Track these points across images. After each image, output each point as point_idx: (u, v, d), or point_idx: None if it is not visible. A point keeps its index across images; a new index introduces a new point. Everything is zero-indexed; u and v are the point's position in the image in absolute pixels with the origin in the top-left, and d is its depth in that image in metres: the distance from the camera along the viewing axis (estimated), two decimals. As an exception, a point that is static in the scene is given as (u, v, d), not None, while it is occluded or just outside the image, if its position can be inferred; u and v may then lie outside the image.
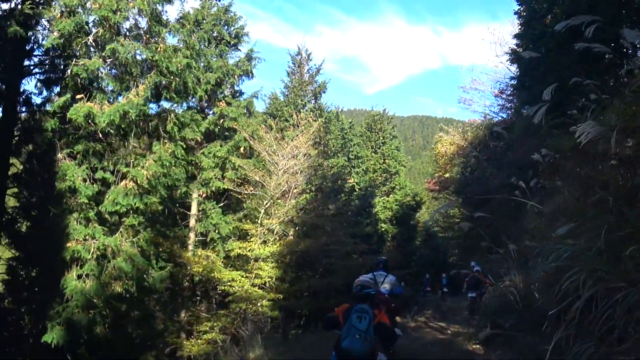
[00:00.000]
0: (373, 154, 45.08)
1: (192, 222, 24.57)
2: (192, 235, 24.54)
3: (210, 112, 24.85)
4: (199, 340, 22.09)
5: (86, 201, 14.05)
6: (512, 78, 35.49)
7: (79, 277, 14.34)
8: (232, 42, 25.35)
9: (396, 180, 44.48)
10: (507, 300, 13.03)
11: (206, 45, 24.99)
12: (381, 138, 46.05)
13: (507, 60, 34.54)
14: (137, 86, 14.70)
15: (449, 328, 20.36)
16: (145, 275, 15.42)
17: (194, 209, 24.63)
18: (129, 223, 15.01)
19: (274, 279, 23.20)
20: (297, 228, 27.66)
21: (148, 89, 14.48)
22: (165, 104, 18.23)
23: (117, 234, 14.98)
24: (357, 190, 37.04)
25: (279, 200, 24.44)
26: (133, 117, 14.29)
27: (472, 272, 22.08)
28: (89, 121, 13.89)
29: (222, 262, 23.50)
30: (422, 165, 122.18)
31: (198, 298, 25.21)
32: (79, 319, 13.75)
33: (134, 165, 15.09)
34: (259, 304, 22.47)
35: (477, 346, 14.90)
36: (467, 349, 15.02)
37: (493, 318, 14.19)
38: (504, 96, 48.58)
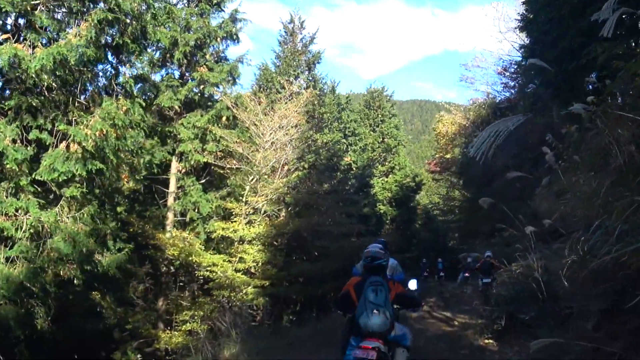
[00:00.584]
0: (371, 132, 41.77)
1: (170, 200, 21.68)
2: (170, 215, 21.65)
3: (191, 79, 21.76)
4: (175, 332, 19.32)
5: (15, 167, 11.02)
6: (521, 47, 32.85)
7: (8, 260, 11.37)
8: (214, 1, 22.17)
9: (395, 160, 41.29)
10: (524, 289, 11.33)
11: (185, 4, 21.98)
12: (380, 116, 42.75)
13: (515, 28, 31.55)
14: (79, 26, 11.64)
15: (455, 319, 17.60)
16: (93, 259, 12.39)
17: (172, 186, 21.74)
18: (70, 194, 11.98)
19: (260, 264, 20.36)
20: (289, 209, 24.81)
21: (92, 28, 11.38)
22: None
23: (55, 208, 11.95)
24: (354, 169, 33.99)
25: (267, 177, 21.53)
26: (73, 63, 11.27)
27: (483, 258, 20.51)
28: (16, 67, 10.82)
29: (203, 244, 20.72)
30: (421, 149, 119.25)
31: (180, 284, 22.35)
32: (5, 312, 10.82)
33: (76, 124, 12.03)
34: (243, 292, 19.70)
35: (490, 341, 12.12)
36: (478, 345, 12.24)
37: (506, 308, 11.91)
38: (507, 74, 45.91)
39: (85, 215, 12.30)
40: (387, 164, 41.02)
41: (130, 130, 12.68)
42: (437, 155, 53.27)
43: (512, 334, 11.28)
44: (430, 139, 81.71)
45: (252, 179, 20.77)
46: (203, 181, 21.92)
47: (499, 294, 14.42)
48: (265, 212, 21.49)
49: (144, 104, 13.99)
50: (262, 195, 20.63)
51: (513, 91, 45.86)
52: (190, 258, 19.02)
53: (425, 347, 12.33)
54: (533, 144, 39.46)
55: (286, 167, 24.16)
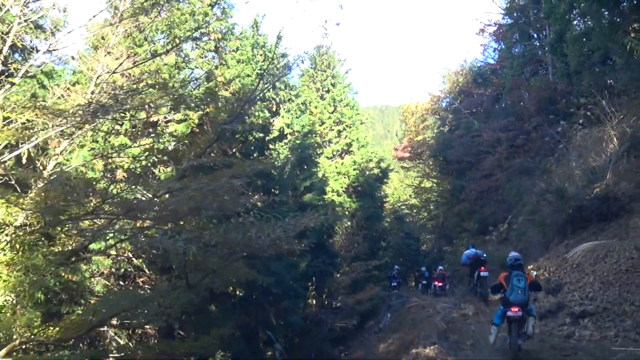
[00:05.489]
0: (319, 99, 29.48)
1: None
2: None
3: None
4: None
5: None
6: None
7: None
8: None
9: (353, 134, 28.90)
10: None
11: None
12: (330, 78, 30.36)
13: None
14: None
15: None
16: None
17: None
18: None
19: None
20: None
21: None
22: None
23: None
24: (288, 136, 21.45)
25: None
26: None
27: (437, 271, 24.36)
28: None
29: None
30: (384, 153, 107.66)
31: None
32: None
33: None
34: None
35: None
36: None
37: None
38: (486, 34, 35.38)
39: None
40: (341, 139, 28.63)
41: None
42: (404, 138, 41.79)
43: None
44: (395, 142, 71.71)
45: None
46: None
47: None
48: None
49: None
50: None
51: (499, 51, 35.38)
52: None
53: None
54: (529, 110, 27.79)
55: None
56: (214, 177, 9.27)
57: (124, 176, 13.40)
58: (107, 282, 16.97)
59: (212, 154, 14.18)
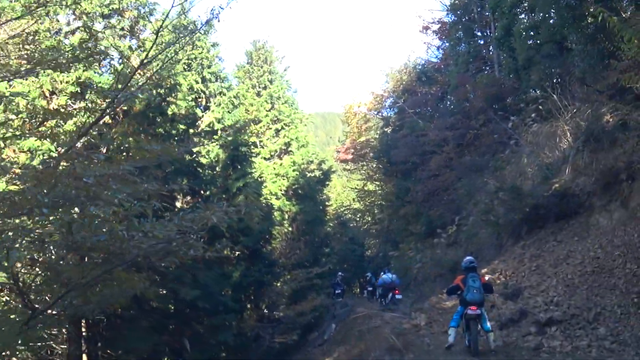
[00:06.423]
0: (255, 96, 27.63)
1: None
2: None
3: None
4: None
5: None
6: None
7: None
8: None
9: (292, 133, 27.24)
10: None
11: None
12: (267, 74, 28.66)
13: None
14: None
15: None
16: None
17: None
18: None
19: None
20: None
21: None
22: None
23: None
24: (218, 132, 19.47)
25: None
26: None
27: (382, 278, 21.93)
28: None
29: None
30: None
31: None
32: None
33: None
34: None
35: None
36: None
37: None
38: (430, 32, 34.66)
39: None
40: (280, 138, 26.93)
41: None
42: (347, 140, 40.52)
43: None
44: (338, 145, 70.47)
45: None
46: None
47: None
48: None
49: None
50: None
51: (443, 49, 34.70)
52: None
53: None
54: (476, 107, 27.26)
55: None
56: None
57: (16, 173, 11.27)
58: (8, 298, 14.68)
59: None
